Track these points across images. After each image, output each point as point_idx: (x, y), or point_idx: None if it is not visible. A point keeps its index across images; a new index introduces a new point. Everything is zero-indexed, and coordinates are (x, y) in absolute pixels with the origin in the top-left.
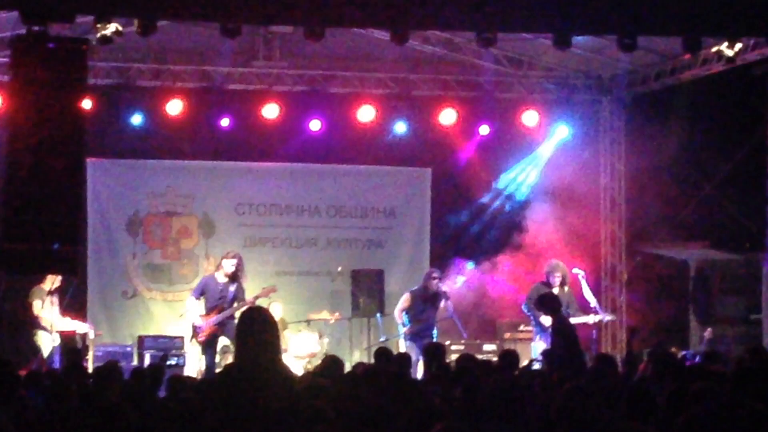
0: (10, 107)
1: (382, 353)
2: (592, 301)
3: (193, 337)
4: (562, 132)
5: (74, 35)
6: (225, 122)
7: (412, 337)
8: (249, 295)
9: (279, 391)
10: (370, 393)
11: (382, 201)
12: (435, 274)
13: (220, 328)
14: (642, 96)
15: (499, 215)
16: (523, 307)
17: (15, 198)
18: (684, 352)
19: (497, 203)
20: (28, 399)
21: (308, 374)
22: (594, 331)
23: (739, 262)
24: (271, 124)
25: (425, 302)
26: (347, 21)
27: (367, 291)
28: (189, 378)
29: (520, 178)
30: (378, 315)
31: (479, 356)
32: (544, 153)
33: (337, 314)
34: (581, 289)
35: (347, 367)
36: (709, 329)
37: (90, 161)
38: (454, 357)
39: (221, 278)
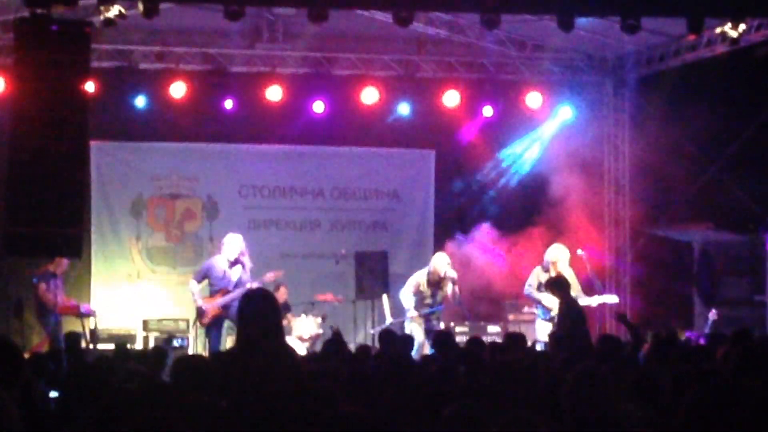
0: (13, 90)
1: (387, 336)
2: (596, 283)
3: (197, 319)
4: (566, 113)
5: (77, 18)
6: (229, 104)
7: (420, 322)
8: (253, 278)
9: (283, 373)
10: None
11: (386, 183)
12: (448, 261)
13: (225, 311)
14: (646, 77)
15: (502, 193)
16: (525, 290)
17: (18, 181)
18: (688, 334)
19: (501, 180)
20: (33, 382)
21: (313, 356)
22: (598, 313)
23: (743, 243)
24: (274, 106)
25: (433, 286)
26: (351, 3)
27: (371, 273)
28: (194, 358)
29: (522, 151)
30: (384, 296)
31: (484, 338)
32: (548, 130)
33: (340, 297)
34: (585, 270)
35: (351, 349)
36: (713, 310)
37: (93, 144)
38: (458, 339)
39: (224, 261)
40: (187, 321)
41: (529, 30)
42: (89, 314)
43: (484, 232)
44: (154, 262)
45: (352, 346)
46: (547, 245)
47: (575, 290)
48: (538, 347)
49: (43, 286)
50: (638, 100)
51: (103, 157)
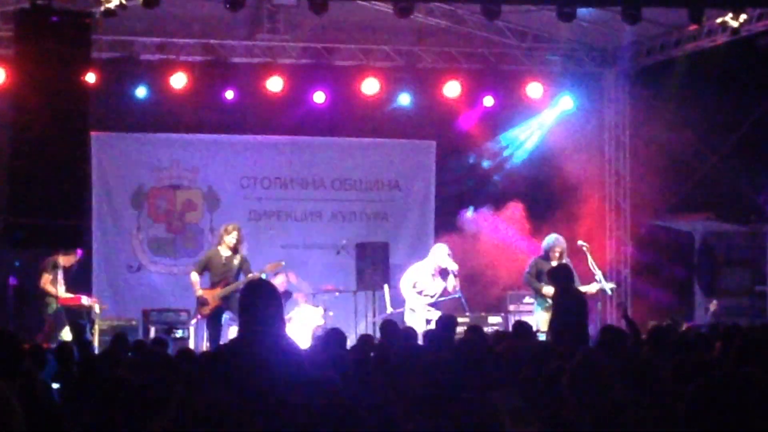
0: (14, 81)
1: (388, 326)
2: (597, 274)
3: (197, 310)
4: (566, 103)
5: (78, 9)
6: (229, 95)
7: (420, 313)
8: (254, 269)
9: (284, 363)
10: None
11: (387, 174)
12: (448, 252)
13: (225, 302)
14: (647, 68)
15: (502, 184)
16: (524, 278)
17: (19, 172)
18: (689, 324)
19: (501, 167)
20: (34, 372)
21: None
22: (598, 303)
23: (744, 233)
24: (275, 97)
25: (433, 276)
26: None
27: (371, 264)
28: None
29: (523, 137)
30: (385, 286)
31: (485, 328)
32: (547, 118)
33: (341, 287)
34: (586, 261)
35: (352, 340)
36: (714, 301)
37: (94, 135)
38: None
39: (224, 252)
40: (188, 312)
41: (530, 20)
42: (91, 306)
43: (485, 215)
44: (154, 253)
45: (353, 337)
46: (546, 235)
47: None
48: (540, 337)
49: (46, 276)
50: (639, 90)
51: (104, 148)
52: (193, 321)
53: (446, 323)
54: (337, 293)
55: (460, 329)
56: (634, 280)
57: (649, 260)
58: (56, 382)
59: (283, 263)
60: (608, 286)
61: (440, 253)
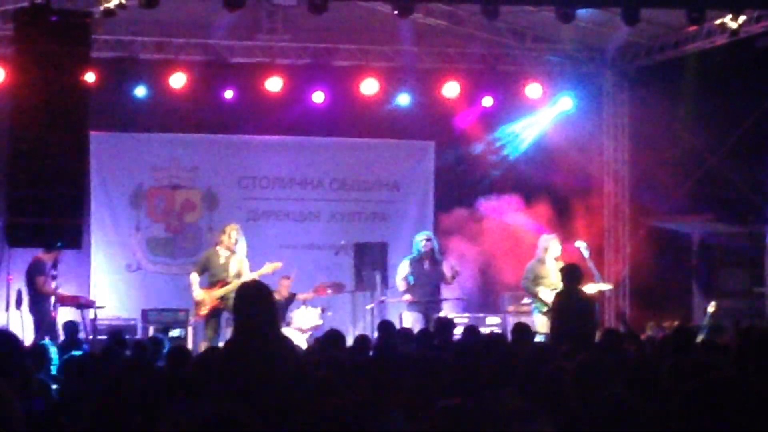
0: (13, 81)
1: (386, 326)
2: (595, 274)
3: (196, 310)
4: (565, 103)
5: (77, 8)
6: (228, 95)
7: (417, 305)
8: (253, 269)
9: (281, 363)
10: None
11: (386, 174)
12: (426, 237)
13: (223, 302)
14: (646, 69)
15: (500, 184)
16: (522, 283)
17: (19, 172)
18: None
19: (498, 161)
20: (33, 372)
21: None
22: (596, 304)
23: (742, 234)
24: (274, 97)
25: (422, 264)
26: None
27: (370, 264)
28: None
29: (519, 131)
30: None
31: (483, 329)
32: (546, 116)
33: (339, 288)
34: (584, 261)
35: (349, 341)
36: (712, 302)
37: (93, 134)
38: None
39: (223, 252)
40: (187, 312)
41: (529, 21)
42: (89, 305)
43: (482, 222)
44: (153, 253)
45: (350, 338)
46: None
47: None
48: (538, 339)
49: (41, 278)
50: (638, 91)
51: (103, 147)
52: (192, 321)
53: (443, 325)
54: (335, 294)
55: (457, 330)
56: (632, 281)
57: (647, 261)
58: (55, 381)
59: (281, 264)
60: (605, 287)
61: (418, 239)
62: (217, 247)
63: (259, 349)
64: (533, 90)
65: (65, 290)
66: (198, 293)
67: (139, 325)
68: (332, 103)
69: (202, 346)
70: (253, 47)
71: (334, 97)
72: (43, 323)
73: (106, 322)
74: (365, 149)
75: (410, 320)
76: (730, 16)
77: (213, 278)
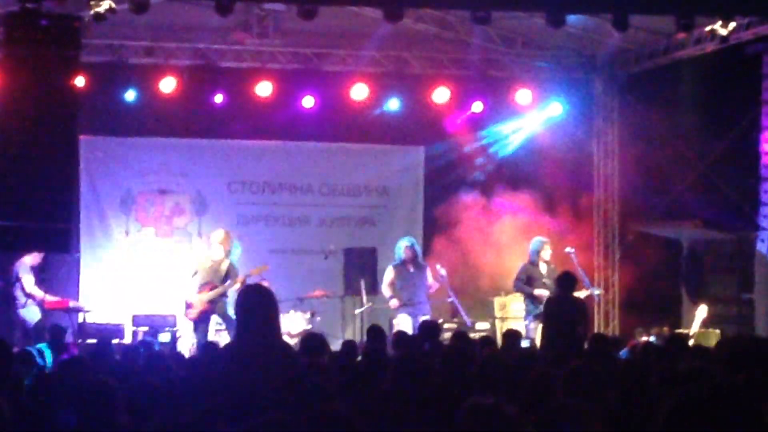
0: (2, 84)
1: (375, 331)
2: (584, 280)
3: (185, 314)
4: (555, 109)
5: (68, 12)
6: (218, 100)
7: (405, 308)
8: (240, 273)
9: (282, 367)
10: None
11: (375, 179)
12: (406, 243)
13: (212, 306)
14: (635, 75)
15: (489, 189)
16: (514, 285)
17: (7, 175)
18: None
19: (485, 164)
20: (21, 375)
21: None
22: (587, 311)
23: (731, 241)
24: (264, 102)
25: (407, 269)
26: None
27: (359, 269)
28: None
29: (507, 132)
30: (362, 281)
31: (473, 334)
32: (534, 120)
33: (328, 292)
34: (573, 267)
35: (337, 345)
36: (702, 307)
37: (83, 139)
38: (446, 335)
39: (213, 256)
40: (175, 316)
41: (519, 27)
42: (78, 310)
43: (470, 226)
44: (142, 257)
45: (339, 342)
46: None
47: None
48: (525, 344)
49: (28, 278)
50: (628, 97)
51: (92, 151)
52: (181, 325)
53: (429, 328)
54: (324, 298)
55: (446, 335)
56: (621, 287)
57: (636, 267)
58: (41, 384)
59: (268, 267)
60: (596, 292)
61: (399, 245)
62: (207, 252)
63: (260, 353)
64: (523, 96)
65: (53, 294)
66: (188, 296)
67: (128, 329)
68: (322, 108)
69: (191, 350)
70: (243, 52)
71: (323, 102)
72: (32, 327)
73: (94, 326)
74: (355, 154)
75: (400, 324)
76: (720, 22)
77: (202, 282)
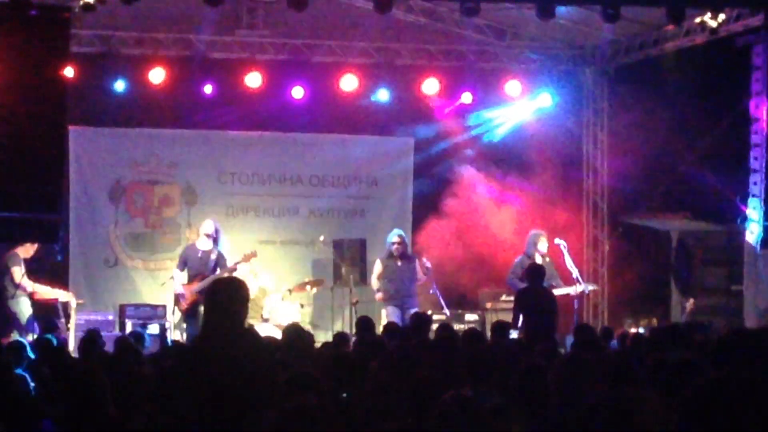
0: None
1: (364, 323)
2: (574, 272)
3: (175, 305)
4: (544, 100)
5: (57, 3)
6: (208, 90)
7: (393, 300)
8: (230, 263)
9: (250, 358)
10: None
11: (365, 170)
12: (395, 238)
13: (202, 297)
14: (625, 66)
15: (478, 175)
16: (508, 279)
17: None
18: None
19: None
20: (11, 366)
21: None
22: (575, 301)
23: (721, 233)
24: (253, 92)
25: (395, 262)
26: None
27: (349, 260)
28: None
29: (496, 117)
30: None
31: (461, 326)
32: (523, 109)
33: (317, 283)
34: (563, 259)
35: (328, 337)
36: (690, 300)
37: (72, 129)
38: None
39: (201, 247)
40: (164, 307)
41: (509, 18)
42: (67, 301)
43: (459, 219)
44: (132, 248)
45: (329, 334)
46: (526, 234)
47: (555, 279)
48: (513, 335)
49: (17, 270)
50: (617, 89)
51: (82, 142)
52: (171, 316)
53: (420, 321)
54: (314, 289)
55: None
56: (610, 279)
57: (625, 259)
58: (33, 376)
59: (257, 254)
60: (589, 288)
61: (392, 244)
62: (196, 242)
63: (224, 346)
64: (513, 87)
65: (42, 285)
66: (178, 287)
67: (117, 321)
68: (311, 99)
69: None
70: (233, 43)
71: (313, 93)
72: (22, 319)
73: (83, 318)
74: (344, 145)
75: (389, 316)
76: (709, 14)
77: (191, 272)
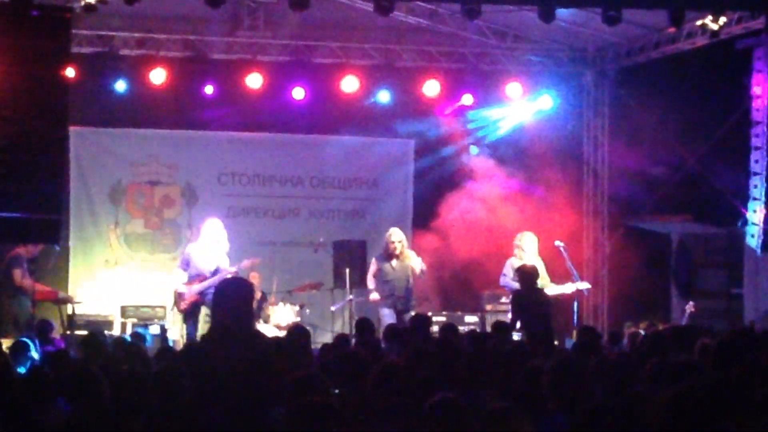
0: None
1: (364, 324)
2: (573, 274)
3: (175, 305)
4: (545, 102)
5: (58, 3)
6: (209, 91)
7: (387, 300)
8: (231, 264)
9: (254, 358)
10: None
11: (365, 172)
12: (392, 238)
13: (202, 297)
14: (626, 69)
15: (479, 178)
16: (501, 280)
17: None
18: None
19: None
20: (11, 366)
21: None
22: (575, 303)
23: (721, 235)
24: (254, 94)
25: (390, 262)
26: None
27: (349, 262)
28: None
29: (497, 117)
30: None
31: (462, 328)
32: (523, 111)
33: (316, 282)
34: (563, 261)
35: (328, 338)
36: (690, 303)
37: (73, 130)
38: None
39: (204, 247)
40: (165, 307)
41: (510, 20)
42: (67, 301)
43: (459, 219)
44: (132, 249)
45: (329, 335)
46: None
47: (545, 279)
48: (515, 337)
49: (18, 271)
50: (618, 91)
51: (83, 142)
52: (171, 316)
53: (419, 322)
54: (314, 291)
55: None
56: (610, 281)
57: (626, 261)
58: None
59: (260, 260)
60: (584, 286)
61: (388, 243)
62: (197, 242)
63: (231, 345)
64: (514, 89)
65: (43, 286)
66: (179, 287)
67: (118, 321)
68: (312, 101)
69: (181, 342)
70: (234, 44)
71: (314, 95)
72: (22, 319)
73: (84, 318)
74: (345, 147)
75: (385, 317)
76: (710, 17)
77: (192, 273)
